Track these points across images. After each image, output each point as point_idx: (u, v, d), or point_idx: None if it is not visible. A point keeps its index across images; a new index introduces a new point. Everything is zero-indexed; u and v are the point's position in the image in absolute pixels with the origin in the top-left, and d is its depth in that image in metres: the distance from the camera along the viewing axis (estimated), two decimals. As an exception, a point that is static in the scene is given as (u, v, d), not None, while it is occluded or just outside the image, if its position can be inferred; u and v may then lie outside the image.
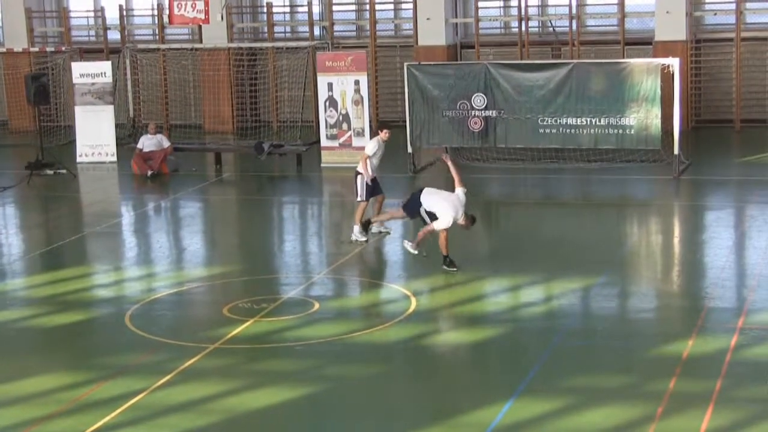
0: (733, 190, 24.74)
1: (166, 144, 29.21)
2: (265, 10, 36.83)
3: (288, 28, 38.05)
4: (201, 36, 36.10)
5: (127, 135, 32.82)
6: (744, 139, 31.07)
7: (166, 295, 17.97)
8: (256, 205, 25.61)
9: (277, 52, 35.46)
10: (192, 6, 31.06)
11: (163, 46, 36.10)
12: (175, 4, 31.31)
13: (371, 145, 21.34)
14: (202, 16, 31.32)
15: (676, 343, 14.64)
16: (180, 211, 25.32)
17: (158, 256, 20.84)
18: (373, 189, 21.09)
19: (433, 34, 34.25)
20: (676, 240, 21.12)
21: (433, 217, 18.74)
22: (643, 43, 32.94)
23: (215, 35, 35.08)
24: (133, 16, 39.12)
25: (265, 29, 36.84)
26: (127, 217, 24.85)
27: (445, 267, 18.57)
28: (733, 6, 32.50)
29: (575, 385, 13.34)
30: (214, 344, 15.19)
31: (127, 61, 34.16)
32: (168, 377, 14.00)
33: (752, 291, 16.90)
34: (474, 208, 24.46)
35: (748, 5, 33.06)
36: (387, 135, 21.37)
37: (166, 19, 35.06)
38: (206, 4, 31.16)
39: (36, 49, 36.39)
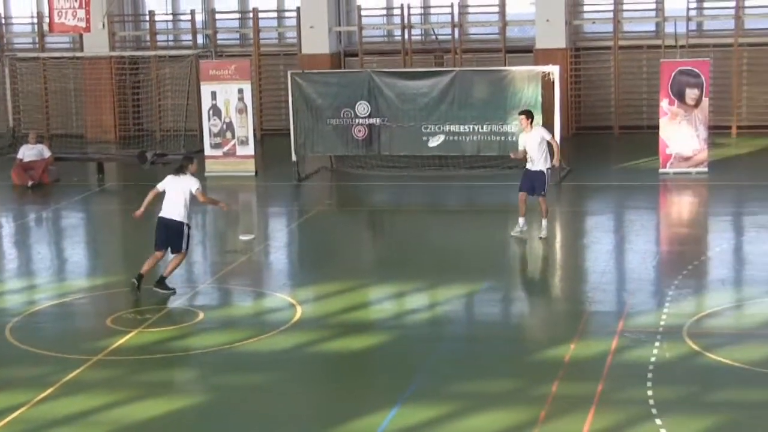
0: (613, 196, 25.11)
1: (47, 154, 28.78)
2: (147, 18, 36.52)
3: (171, 37, 37.77)
4: (82, 44, 35.68)
5: (7, 145, 32.31)
6: (622, 146, 31.55)
7: (48, 306, 17.72)
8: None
9: (159, 60, 35.17)
10: (72, 14, 30.69)
11: (43, 55, 35.63)
12: (56, 12, 30.92)
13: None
14: (83, 24, 30.96)
15: (559, 347, 14.82)
16: (62, 222, 24.99)
17: (39, 268, 20.53)
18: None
19: (317, 42, 34.25)
20: (558, 245, 21.38)
21: None
22: (524, 51, 33.30)
23: (97, 43, 34.70)
24: (12, 24, 38.54)
25: (148, 37, 36.52)
26: (7, 228, 24.44)
27: (157, 289, 17.76)
28: (610, 15, 33.03)
29: (460, 391, 13.42)
30: (98, 356, 15.01)
31: (6, 70, 33.61)
32: (51, 390, 13.79)
33: (632, 294, 17.18)
34: (359, 216, 24.57)
35: (625, 14, 33.64)
36: (522, 122, 20.88)
37: (46, 27, 34.58)
38: (87, 12, 30.80)
39: None
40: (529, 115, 20.94)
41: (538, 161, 20.53)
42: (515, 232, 20.76)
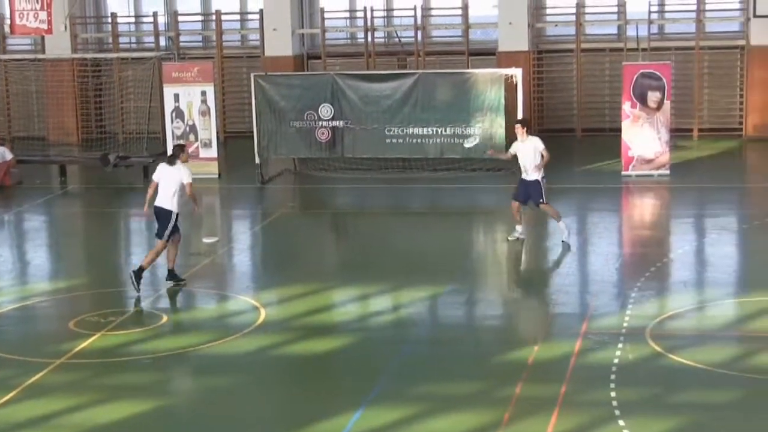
0: (576, 198, 25.18)
1: (9, 156, 28.59)
2: (109, 20, 36.35)
3: (133, 39, 37.61)
4: (44, 46, 35.48)
5: (-32, 148, 32.05)
6: (585, 148, 31.65)
7: (11, 310, 17.60)
8: (103, 218, 25.26)
9: (122, 62, 34.97)
10: (34, 16, 30.49)
11: (4, 57, 35.38)
12: (17, 13, 30.70)
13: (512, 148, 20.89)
14: (45, 26, 30.75)
15: (523, 349, 14.86)
16: (24, 225, 24.83)
17: (1, 271, 20.34)
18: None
19: (280, 44, 34.20)
20: (522, 247, 21.41)
21: None
22: (487, 54, 33.36)
23: (59, 45, 34.48)
24: (-27, 26, 38.27)
25: (110, 39, 36.36)
26: (-31, 231, 24.28)
27: (132, 276, 18.03)
28: (573, 18, 33.14)
29: (425, 393, 13.43)
30: (61, 359, 14.93)
31: (-32, 72, 33.39)
32: (13, 393, 13.70)
33: (595, 296, 17.24)
34: (323, 219, 24.55)
35: (587, 17, 33.76)
36: (518, 130, 20.64)
37: (7, 29, 34.35)
38: (49, 14, 30.61)
39: None
40: (524, 124, 20.88)
41: (532, 171, 20.36)
42: (511, 237, 20.74)
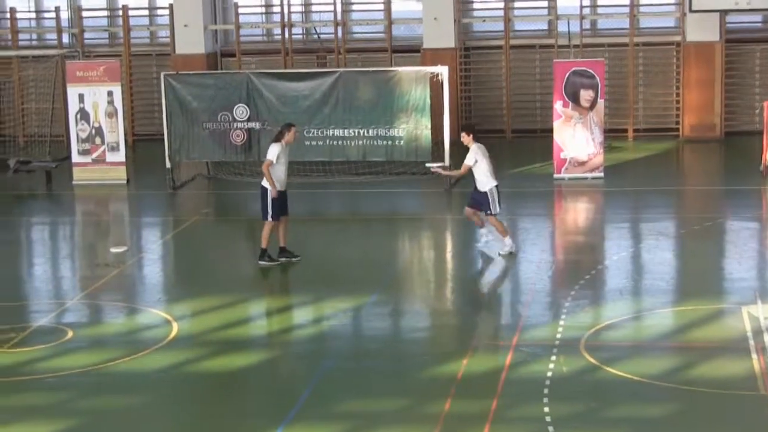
0: (506, 203, 25.24)
1: None
2: (8, 15, 35.95)
3: (34, 36, 37.24)
4: (-63, 44, 35.06)
5: None
6: (515, 150, 31.78)
7: None
8: (2, 227, 24.95)
9: (22, 61, 34.64)
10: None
11: None
12: None
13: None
14: (-62, 22, 30.41)
15: (451, 362, 14.88)
16: None
17: None
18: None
19: (192, 41, 34.03)
20: (449, 255, 21.49)
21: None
22: (411, 51, 33.46)
23: (-47, 43, 34.12)
24: None
25: (9, 36, 35.96)
26: None
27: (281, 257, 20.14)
28: (501, 13, 33.30)
29: (348, 410, 13.42)
30: (-43, 379, 14.75)
31: None
32: None
33: (526, 306, 17.33)
34: (238, 226, 24.44)
35: (516, 12, 33.96)
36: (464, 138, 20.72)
37: None
38: (-57, 9, 30.29)
39: None
40: (466, 129, 20.90)
41: (479, 181, 20.46)
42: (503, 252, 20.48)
